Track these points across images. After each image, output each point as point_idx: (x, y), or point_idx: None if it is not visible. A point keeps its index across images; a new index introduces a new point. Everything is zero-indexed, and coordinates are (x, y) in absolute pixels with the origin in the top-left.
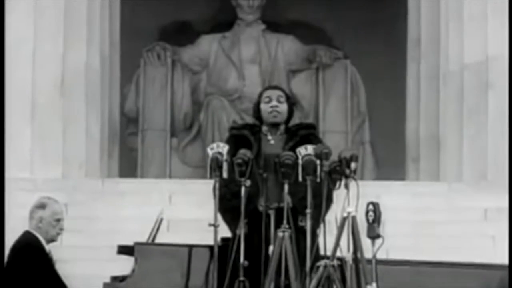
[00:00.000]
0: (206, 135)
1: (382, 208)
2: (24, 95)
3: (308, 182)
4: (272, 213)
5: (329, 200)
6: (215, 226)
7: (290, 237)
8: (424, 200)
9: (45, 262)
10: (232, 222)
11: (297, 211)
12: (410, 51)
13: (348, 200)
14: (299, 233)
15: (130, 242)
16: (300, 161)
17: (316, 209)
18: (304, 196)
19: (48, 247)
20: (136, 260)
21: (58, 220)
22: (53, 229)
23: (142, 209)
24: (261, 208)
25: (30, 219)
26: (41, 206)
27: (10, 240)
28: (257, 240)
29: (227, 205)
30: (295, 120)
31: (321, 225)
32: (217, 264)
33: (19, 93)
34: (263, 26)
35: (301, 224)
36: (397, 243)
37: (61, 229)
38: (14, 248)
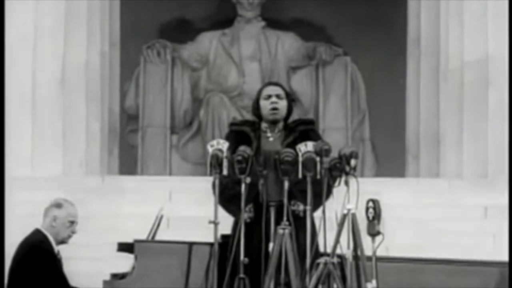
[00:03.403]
0: (206, 132)
1: (382, 205)
2: (24, 93)
3: (308, 179)
4: (272, 210)
5: (329, 192)
6: (215, 223)
7: (290, 234)
8: (424, 197)
9: (52, 264)
10: (236, 210)
11: (292, 194)
12: (410, 48)
13: (348, 197)
14: (294, 218)
15: (130, 240)
16: (300, 158)
17: (315, 197)
18: (299, 181)
19: (57, 248)
20: (136, 257)
21: (72, 223)
22: (66, 230)
23: (142, 206)
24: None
25: (44, 217)
26: (57, 205)
27: (10, 238)
28: (257, 237)
29: (231, 193)
30: (295, 117)
31: (321, 223)
32: (217, 261)
33: (19, 91)
34: (263, 23)
35: (293, 208)
36: (397, 240)
37: (73, 232)
38: (22, 246)
